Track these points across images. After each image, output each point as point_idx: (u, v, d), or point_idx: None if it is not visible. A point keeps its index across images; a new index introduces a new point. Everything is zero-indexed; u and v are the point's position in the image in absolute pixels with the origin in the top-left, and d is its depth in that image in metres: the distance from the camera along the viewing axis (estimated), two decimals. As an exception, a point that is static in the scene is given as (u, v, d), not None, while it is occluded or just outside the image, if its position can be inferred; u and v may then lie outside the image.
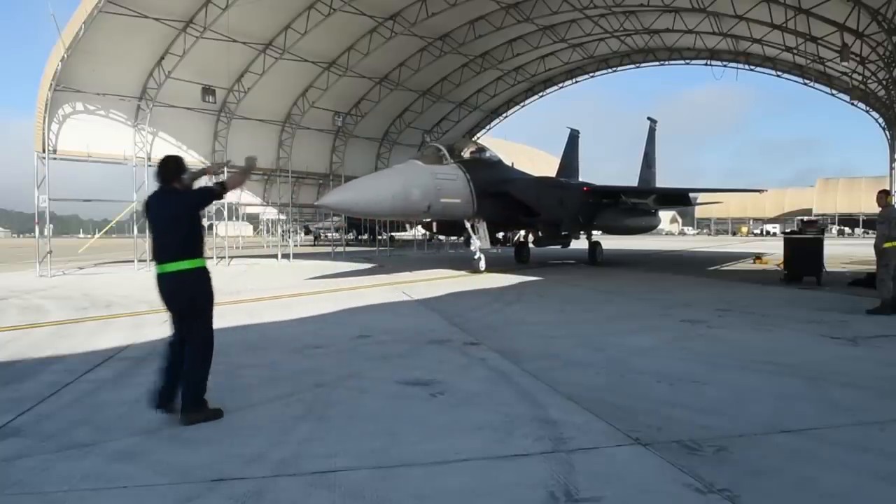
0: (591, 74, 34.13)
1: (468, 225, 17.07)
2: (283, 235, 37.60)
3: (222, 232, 31.34)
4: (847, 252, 29.18)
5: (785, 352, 6.75)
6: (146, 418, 4.48)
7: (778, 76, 29.54)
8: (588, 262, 21.19)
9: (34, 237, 18.94)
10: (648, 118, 29.72)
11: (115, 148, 19.85)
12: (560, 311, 10.09)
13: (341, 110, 26.32)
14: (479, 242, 17.06)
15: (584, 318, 9.38)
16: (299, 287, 13.85)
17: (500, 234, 26.74)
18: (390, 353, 6.73)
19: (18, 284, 15.05)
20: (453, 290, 13.04)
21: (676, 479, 3.36)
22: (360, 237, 46.11)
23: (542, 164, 42.69)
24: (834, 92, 28.75)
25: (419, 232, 33.81)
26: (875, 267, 10.31)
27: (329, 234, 46.25)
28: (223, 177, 4.90)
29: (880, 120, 28.38)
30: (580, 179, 25.15)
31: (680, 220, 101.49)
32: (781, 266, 15.87)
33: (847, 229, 73.08)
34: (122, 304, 10.79)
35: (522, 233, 22.69)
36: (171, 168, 4.53)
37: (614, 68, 33.51)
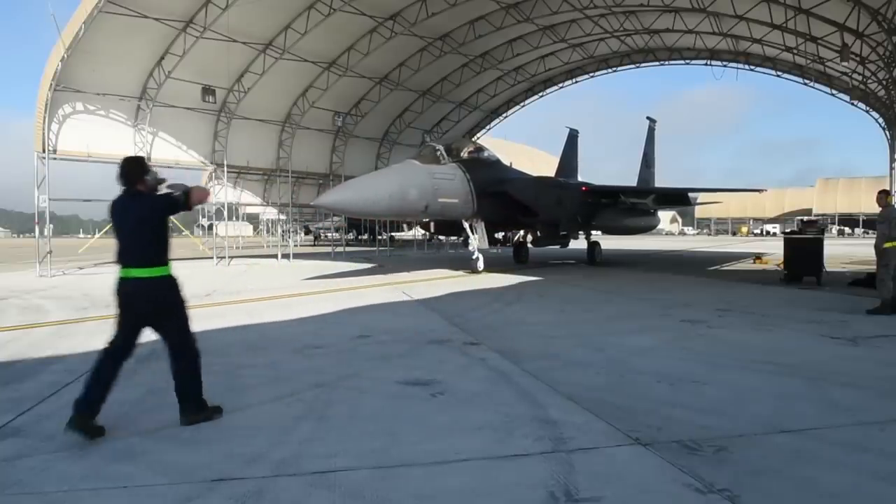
0: (591, 74, 34.13)
1: (466, 225, 17.03)
2: (283, 235, 37.62)
3: (222, 232, 31.35)
4: (847, 252, 29.18)
5: (785, 352, 6.75)
6: (146, 418, 4.49)
7: (778, 76, 29.54)
8: (587, 263, 21.16)
9: (34, 237, 18.95)
10: (648, 118, 29.71)
11: (115, 148, 19.81)
12: (560, 311, 10.09)
13: (341, 110, 26.32)
14: (477, 243, 17.04)
15: (584, 318, 9.38)
16: (299, 287, 13.85)
17: (500, 235, 26.71)
18: (390, 353, 6.73)
19: (18, 284, 15.05)
20: (453, 290, 13.04)
21: (676, 479, 3.36)
22: (360, 237, 46.11)
23: (542, 164, 42.68)
24: (834, 92, 28.75)
25: (419, 232, 33.81)
26: (875, 267, 10.31)
27: (329, 234, 46.26)
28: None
29: (880, 120, 28.37)
30: (580, 179, 25.15)
31: (680, 220, 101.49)
32: (781, 266, 15.87)
33: (847, 229, 73.09)
34: (122, 304, 10.76)
35: (522, 233, 22.64)
36: (134, 169, 4.36)
37: (614, 68, 33.51)
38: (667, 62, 32.01)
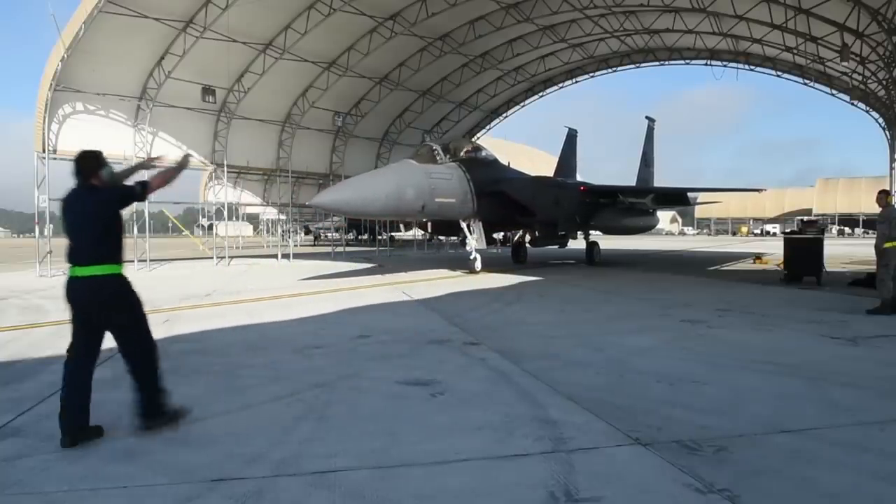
0: (591, 74, 34.12)
1: (464, 225, 16.96)
2: (283, 235, 37.63)
3: (222, 232, 31.36)
4: (847, 252, 29.18)
5: (785, 352, 6.75)
6: (146, 418, 4.48)
7: (778, 76, 29.54)
8: (586, 263, 21.09)
9: (34, 237, 18.94)
10: (647, 117, 29.66)
11: (115, 148, 19.79)
12: (560, 311, 10.09)
13: (341, 110, 26.32)
14: (474, 243, 16.93)
15: (584, 319, 9.38)
16: (299, 287, 13.85)
17: (501, 235, 26.65)
18: (390, 353, 6.73)
19: (18, 284, 15.05)
20: (453, 290, 13.04)
21: (676, 479, 3.36)
22: (360, 237, 46.10)
23: (542, 164, 42.64)
24: (834, 92, 28.75)
25: (419, 232, 33.82)
26: (875, 267, 10.31)
27: (329, 234, 46.26)
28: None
29: (880, 120, 28.38)
30: (579, 179, 25.12)
31: (680, 220, 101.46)
32: (781, 266, 15.87)
33: (847, 229, 73.08)
34: (122, 304, 10.76)
35: (521, 233, 22.59)
36: (88, 163, 4.18)
37: (614, 68, 33.51)
38: (667, 62, 32.01)
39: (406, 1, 22.10)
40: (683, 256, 28.80)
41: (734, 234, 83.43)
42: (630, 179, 28.38)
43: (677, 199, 24.34)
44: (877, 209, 10.23)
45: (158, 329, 8.22)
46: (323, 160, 27.78)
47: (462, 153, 16.86)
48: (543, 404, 4.74)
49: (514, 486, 3.30)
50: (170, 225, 61.26)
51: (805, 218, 31.00)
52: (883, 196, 10.10)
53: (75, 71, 17.78)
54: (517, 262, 21.14)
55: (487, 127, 36.69)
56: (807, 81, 29.10)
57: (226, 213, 25.52)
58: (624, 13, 25.67)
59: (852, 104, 27.38)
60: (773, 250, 26.65)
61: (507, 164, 19.54)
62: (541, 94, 35.33)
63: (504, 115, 36.27)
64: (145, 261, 20.42)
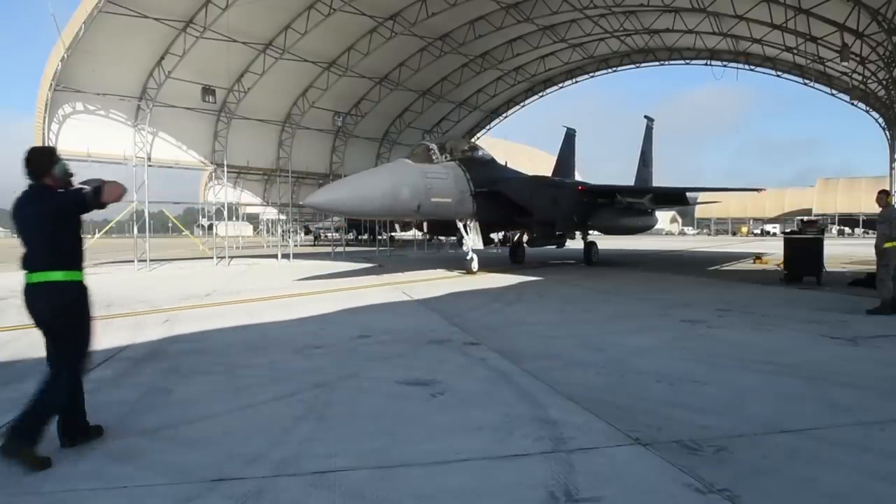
0: (591, 74, 34.14)
1: (460, 225, 16.83)
2: (283, 235, 37.63)
3: (222, 232, 31.37)
4: (847, 252, 29.18)
5: (785, 352, 6.75)
6: (146, 418, 4.49)
7: (778, 76, 29.55)
8: (585, 263, 20.99)
9: (34, 237, 18.91)
10: (645, 116, 29.56)
11: (115, 148, 19.86)
12: (560, 311, 10.09)
13: (341, 110, 26.33)
14: (471, 243, 16.81)
15: (584, 319, 9.38)
16: (299, 287, 13.85)
17: (501, 235, 26.58)
18: (390, 353, 6.73)
19: (18, 284, 15.01)
20: (453, 290, 13.04)
21: (676, 479, 3.36)
22: (360, 237, 46.11)
23: (542, 164, 42.61)
24: (834, 92, 28.76)
25: (419, 232, 33.83)
26: (875, 267, 10.31)
27: (329, 234, 46.27)
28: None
29: (880, 120, 28.38)
30: (580, 179, 25.10)
31: (680, 220, 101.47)
32: (781, 266, 15.87)
33: (847, 229, 73.06)
34: (121, 304, 10.78)
35: (519, 233, 22.50)
36: (40, 161, 3.89)
37: (614, 68, 33.52)
38: (667, 62, 32.02)
39: (406, 1, 22.10)
40: (683, 256, 28.80)
41: (734, 234, 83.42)
42: (630, 179, 28.35)
43: (676, 199, 24.22)
44: (877, 209, 10.23)
45: (159, 329, 8.25)
46: (323, 160, 27.79)
47: (458, 152, 16.71)
48: (543, 404, 4.74)
49: (514, 486, 3.30)
50: (170, 225, 61.23)
51: (805, 218, 30.99)
52: (883, 196, 10.10)
53: (75, 71, 17.79)
54: (515, 263, 21.04)
55: (487, 127, 36.71)
56: (807, 81, 29.11)
57: (226, 213, 25.52)
58: (624, 13, 25.68)
59: (852, 104, 27.38)
60: (773, 250, 26.65)
61: (504, 163, 19.39)
62: (541, 94, 35.35)
63: (504, 115, 36.29)
64: (145, 261, 20.43)
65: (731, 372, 5.80)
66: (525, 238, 21.23)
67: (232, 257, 25.00)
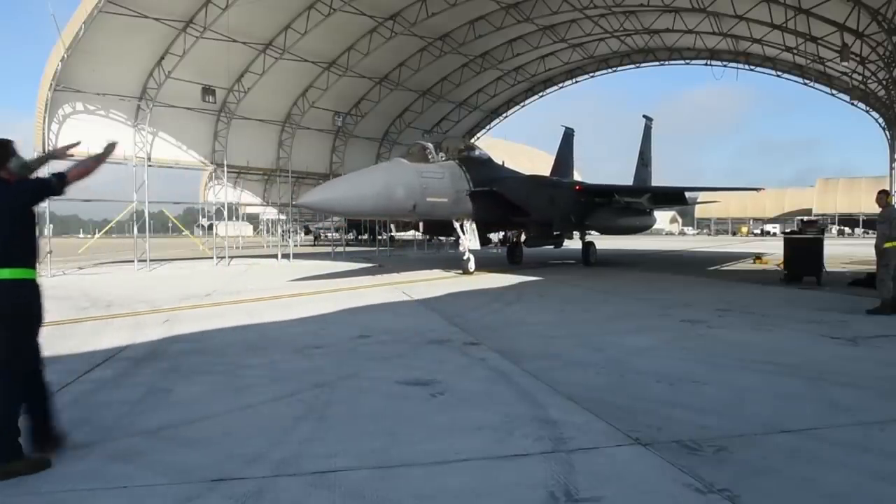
0: (591, 74, 34.14)
1: (457, 225, 16.70)
2: (283, 235, 37.62)
3: (222, 232, 31.36)
4: (847, 252, 29.18)
5: (785, 352, 6.75)
6: (146, 418, 4.49)
7: (778, 76, 29.55)
8: (583, 263, 20.85)
9: (34, 237, 18.91)
10: (644, 116, 29.46)
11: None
12: (560, 311, 10.09)
13: (341, 110, 26.33)
14: (468, 243, 16.68)
15: (584, 319, 9.38)
16: (299, 287, 13.85)
17: (501, 235, 26.52)
18: (390, 353, 6.74)
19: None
20: (453, 291, 13.04)
21: (676, 479, 3.36)
22: (360, 237, 46.13)
23: (542, 164, 42.60)
24: (834, 92, 28.76)
25: (419, 232, 33.81)
26: (875, 267, 10.31)
27: (329, 234, 46.29)
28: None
29: (880, 120, 28.38)
30: (579, 179, 25.06)
31: (680, 220, 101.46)
32: (781, 266, 15.87)
33: (847, 229, 73.07)
34: (121, 304, 10.78)
35: (517, 233, 22.39)
36: None
37: (614, 68, 33.52)
38: (667, 62, 32.02)
39: (406, 1, 22.10)
40: (683, 256, 28.80)
41: (734, 234, 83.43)
42: (630, 179, 28.33)
43: (675, 198, 24.12)
44: (877, 209, 10.23)
45: (159, 329, 8.25)
46: (323, 160, 27.78)
47: (454, 152, 16.52)
48: (543, 404, 4.74)
49: (514, 486, 3.30)
50: (170, 225, 61.25)
51: (805, 218, 30.98)
52: (883, 196, 10.10)
53: (75, 71, 17.78)
54: (513, 263, 20.89)
55: (487, 127, 36.70)
56: (807, 81, 29.11)
57: (226, 213, 25.51)
58: (624, 13, 25.68)
59: (852, 104, 27.38)
60: (773, 250, 26.65)
61: (501, 163, 19.23)
62: (541, 94, 35.34)
63: (504, 115, 36.27)
64: (145, 261, 20.43)
65: (731, 372, 5.80)
66: (523, 238, 21.12)
67: (232, 257, 25.00)
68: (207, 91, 20.55)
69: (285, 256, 25.69)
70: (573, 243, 22.23)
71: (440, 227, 18.87)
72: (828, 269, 15.04)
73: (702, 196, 39.56)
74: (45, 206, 17.66)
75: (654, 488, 3.26)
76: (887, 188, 15.10)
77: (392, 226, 39.43)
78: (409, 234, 43.45)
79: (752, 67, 29.95)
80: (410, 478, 3.42)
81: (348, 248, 33.49)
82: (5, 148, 3.72)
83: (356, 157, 28.74)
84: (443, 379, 5.51)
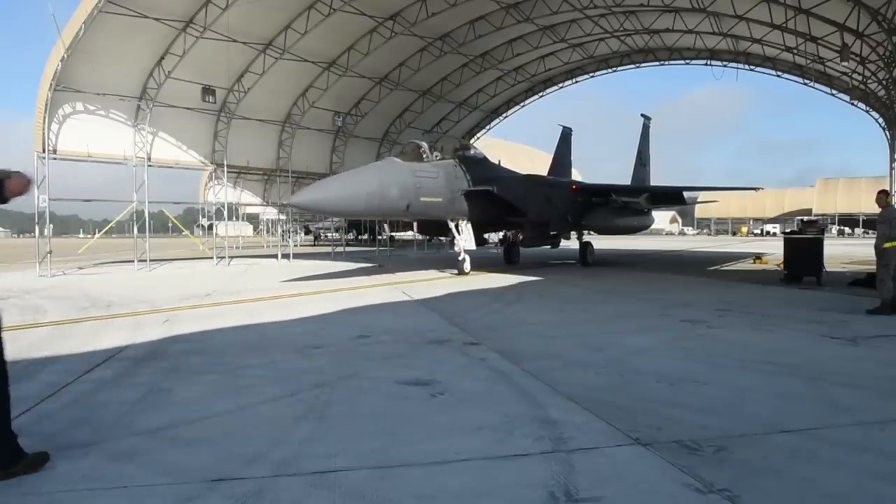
0: (591, 74, 34.15)
1: (452, 225, 16.54)
2: (283, 235, 37.61)
3: (222, 232, 31.35)
4: (847, 252, 29.19)
5: (785, 352, 6.75)
6: (146, 418, 4.49)
7: (778, 76, 29.56)
8: (581, 264, 20.70)
9: (34, 237, 18.95)
10: (642, 115, 29.32)
11: (115, 148, 19.86)
12: (560, 311, 10.08)
13: (341, 110, 26.33)
14: (463, 243, 16.51)
15: (584, 319, 9.38)
16: (299, 287, 13.85)
17: (501, 234, 26.46)
18: (390, 353, 6.73)
19: (18, 284, 15.05)
20: (453, 291, 13.03)
21: (676, 479, 3.36)
22: (360, 237, 46.13)
23: (542, 164, 42.57)
24: (834, 92, 28.77)
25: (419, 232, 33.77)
26: (875, 267, 10.31)
27: (329, 234, 46.29)
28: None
29: (880, 120, 28.40)
30: (580, 179, 25.01)
31: (680, 220, 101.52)
32: (781, 266, 15.87)
33: (847, 229, 73.09)
34: (121, 304, 10.79)
35: (514, 233, 22.22)
36: None
37: (614, 68, 33.53)
38: (667, 62, 32.04)
39: (406, 1, 22.10)
40: (683, 256, 28.80)
41: (734, 234, 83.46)
42: (630, 179, 28.30)
43: (673, 198, 23.93)
44: (877, 209, 10.23)
45: (159, 329, 8.25)
46: (323, 160, 27.78)
47: (449, 151, 16.31)
48: (543, 404, 4.73)
49: (514, 486, 3.30)
50: (170, 225, 61.27)
51: (805, 218, 30.98)
52: (883, 196, 10.10)
53: (75, 71, 17.79)
54: (510, 263, 20.72)
55: (487, 127, 36.71)
56: (807, 81, 29.12)
57: (226, 213, 25.49)
58: (624, 13, 25.69)
59: (852, 104, 27.39)
60: (773, 250, 26.66)
61: (497, 162, 19.00)
62: (541, 94, 35.35)
63: (504, 115, 36.28)
64: (145, 261, 20.43)
65: (731, 372, 5.80)
66: (521, 238, 20.94)
67: (232, 257, 25.00)
68: (207, 91, 20.56)
69: (285, 256, 25.69)
70: (570, 243, 22.15)
71: (435, 227, 18.63)
72: (828, 269, 15.04)
73: (701, 196, 39.46)
74: (45, 206, 17.67)
75: (654, 488, 3.26)
76: (887, 188, 15.11)
77: (385, 226, 39.34)
78: (409, 235, 43.40)
79: (752, 67, 29.96)
80: (410, 478, 3.42)
81: (348, 248, 33.50)
82: None
83: (356, 157, 28.72)
84: (443, 379, 5.51)
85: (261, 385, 5.40)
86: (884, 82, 23.54)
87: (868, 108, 28.32)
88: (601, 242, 23.03)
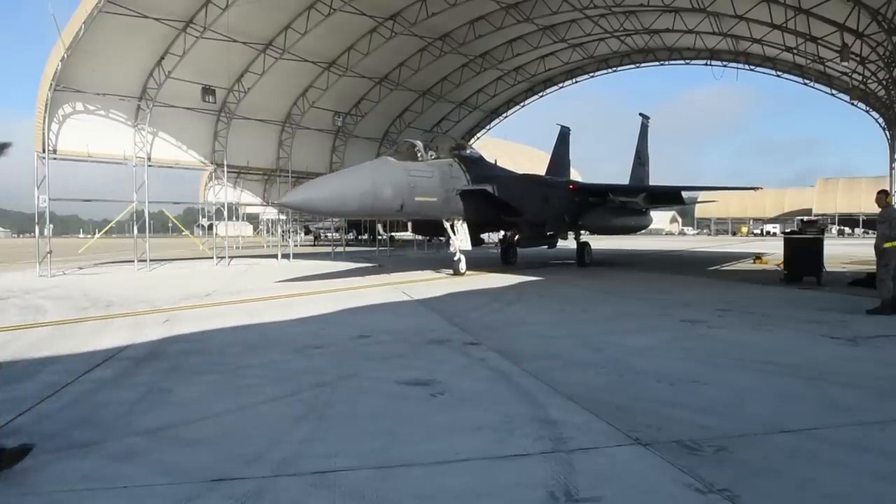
0: (591, 74, 34.14)
1: (447, 225, 16.41)
2: (283, 235, 37.61)
3: (222, 232, 31.35)
4: (847, 252, 29.19)
5: (785, 352, 6.75)
6: (146, 418, 4.49)
7: (778, 76, 29.56)
8: (577, 264, 20.53)
9: (34, 237, 18.95)
10: (640, 114, 29.25)
11: (115, 148, 19.86)
12: (560, 312, 10.08)
13: (341, 110, 26.33)
14: (459, 243, 16.37)
15: (584, 319, 9.38)
16: (299, 287, 13.84)
17: (500, 234, 26.42)
18: (390, 353, 6.73)
19: (18, 284, 15.05)
20: (453, 291, 13.03)
21: (676, 479, 3.36)
22: (360, 237, 46.13)
23: (542, 164, 42.50)
24: (834, 92, 28.77)
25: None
26: (875, 267, 10.31)
27: (329, 234, 46.29)
28: None
29: (880, 120, 28.40)
30: (579, 179, 24.98)
31: (680, 220, 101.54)
32: (781, 266, 15.87)
33: (847, 229, 73.09)
34: (121, 304, 10.78)
35: (512, 233, 22.13)
36: None
37: (614, 68, 33.52)
38: (667, 62, 32.02)
39: (406, 1, 22.10)
40: (683, 256, 28.80)
41: (734, 234, 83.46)
42: (628, 179, 28.26)
43: (671, 198, 23.79)
44: (877, 209, 10.23)
45: (158, 329, 8.25)
46: (323, 160, 27.78)
47: (444, 150, 16.07)
48: (543, 404, 4.73)
49: (514, 486, 3.30)
50: (170, 225, 61.28)
51: (805, 218, 30.97)
52: (883, 196, 10.10)
53: (75, 71, 17.79)
54: (507, 263, 20.58)
55: (487, 127, 36.67)
56: (807, 81, 29.11)
57: (226, 213, 25.48)
58: (624, 13, 25.68)
59: (852, 104, 27.39)
60: (773, 250, 26.65)
61: (493, 161, 18.85)
62: (541, 94, 35.33)
63: (504, 115, 36.24)
64: (145, 261, 20.43)
65: (731, 372, 5.80)
66: (517, 238, 20.81)
67: (232, 257, 25.00)
68: (207, 91, 20.55)
69: (285, 256, 25.69)
70: (568, 244, 22.01)
71: (430, 227, 18.44)
72: (828, 269, 15.04)
73: (700, 196, 39.45)
74: (45, 206, 17.66)
75: (654, 488, 3.26)
76: (887, 188, 15.10)
77: (381, 226, 39.33)
78: (409, 235, 43.37)
79: (752, 67, 29.95)
80: (410, 478, 3.42)
81: (348, 248, 33.50)
82: None
83: (356, 157, 28.66)
84: (443, 379, 5.51)
85: (261, 385, 5.40)
86: (884, 82, 23.53)
87: (868, 108, 28.32)
88: (600, 243, 22.95)
